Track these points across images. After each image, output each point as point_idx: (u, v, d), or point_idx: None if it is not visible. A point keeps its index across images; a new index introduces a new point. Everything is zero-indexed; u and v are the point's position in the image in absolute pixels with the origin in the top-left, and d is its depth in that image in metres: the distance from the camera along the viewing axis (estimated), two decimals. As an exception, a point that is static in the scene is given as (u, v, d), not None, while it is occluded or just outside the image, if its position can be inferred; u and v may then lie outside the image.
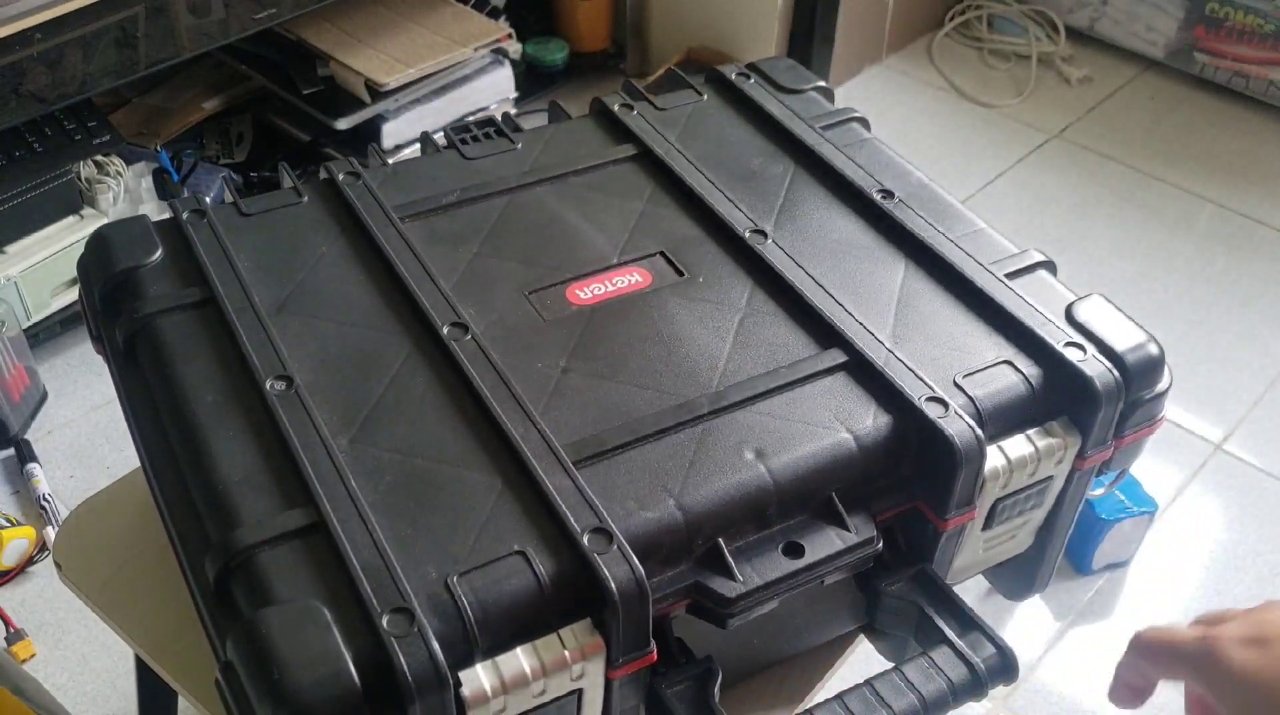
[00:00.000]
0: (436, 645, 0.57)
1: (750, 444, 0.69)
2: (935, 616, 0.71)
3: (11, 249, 1.52)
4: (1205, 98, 2.25)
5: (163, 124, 1.81)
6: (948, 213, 0.85)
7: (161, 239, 0.80)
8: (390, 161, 0.89)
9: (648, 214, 0.85)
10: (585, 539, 0.61)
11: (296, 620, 0.57)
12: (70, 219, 1.57)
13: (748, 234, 0.82)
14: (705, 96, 0.97)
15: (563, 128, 0.94)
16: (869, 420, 0.71)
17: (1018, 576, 0.85)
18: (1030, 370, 0.74)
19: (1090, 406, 0.72)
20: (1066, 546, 0.83)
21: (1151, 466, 1.58)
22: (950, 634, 0.70)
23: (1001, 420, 0.72)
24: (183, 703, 0.98)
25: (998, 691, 0.80)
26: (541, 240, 0.82)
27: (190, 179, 1.76)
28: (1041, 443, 0.73)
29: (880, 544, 0.69)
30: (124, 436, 0.82)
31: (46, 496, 1.47)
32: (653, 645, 0.63)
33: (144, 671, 0.94)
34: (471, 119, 1.53)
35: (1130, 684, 0.61)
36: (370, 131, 1.78)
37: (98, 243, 0.80)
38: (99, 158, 1.61)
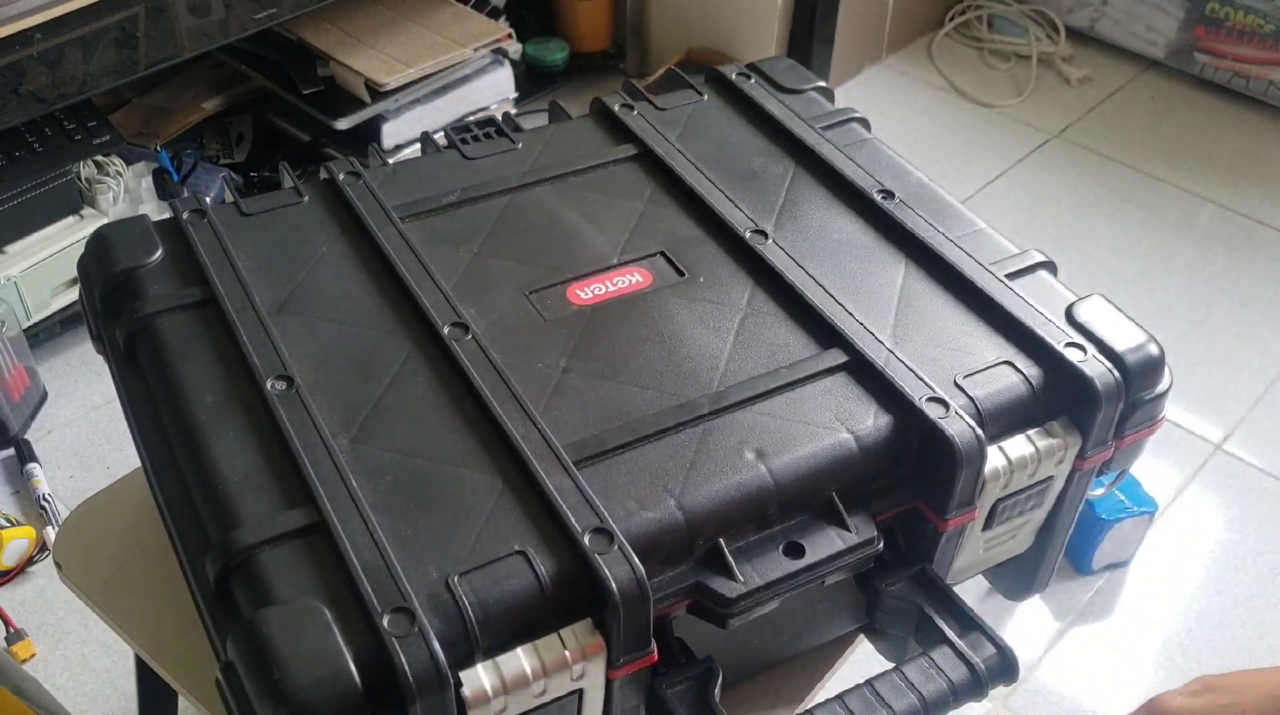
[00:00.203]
0: (437, 645, 0.57)
1: (751, 444, 0.69)
2: (935, 616, 0.71)
3: (11, 249, 1.52)
4: (1205, 98, 2.25)
5: (163, 124, 1.81)
6: (948, 213, 0.85)
7: (161, 239, 0.80)
8: (390, 161, 0.89)
9: (648, 214, 0.85)
10: (586, 539, 0.61)
11: (297, 620, 0.57)
12: (70, 219, 1.57)
13: (748, 234, 0.82)
14: (705, 96, 0.97)
15: (563, 128, 0.94)
16: (869, 420, 0.71)
17: (1018, 576, 0.85)
18: (1031, 370, 0.74)
19: (1090, 407, 0.72)
20: (1066, 546, 0.83)
21: (1151, 466, 1.58)
22: (950, 634, 0.70)
23: (1002, 420, 0.72)
24: (183, 703, 0.98)
25: (998, 691, 0.80)
26: (542, 240, 0.82)
27: (190, 179, 1.76)
28: (1042, 443, 0.73)
29: (880, 544, 0.69)
30: (124, 436, 0.82)
31: (46, 496, 1.47)
32: (653, 645, 0.63)
33: (144, 671, 0.94)
34: (471, 119, 1.53)
35: None
36: (370, 131, 1.78)
37: (98, 243, 0.80)
38: (99, 158, 1.61)
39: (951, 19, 2.42)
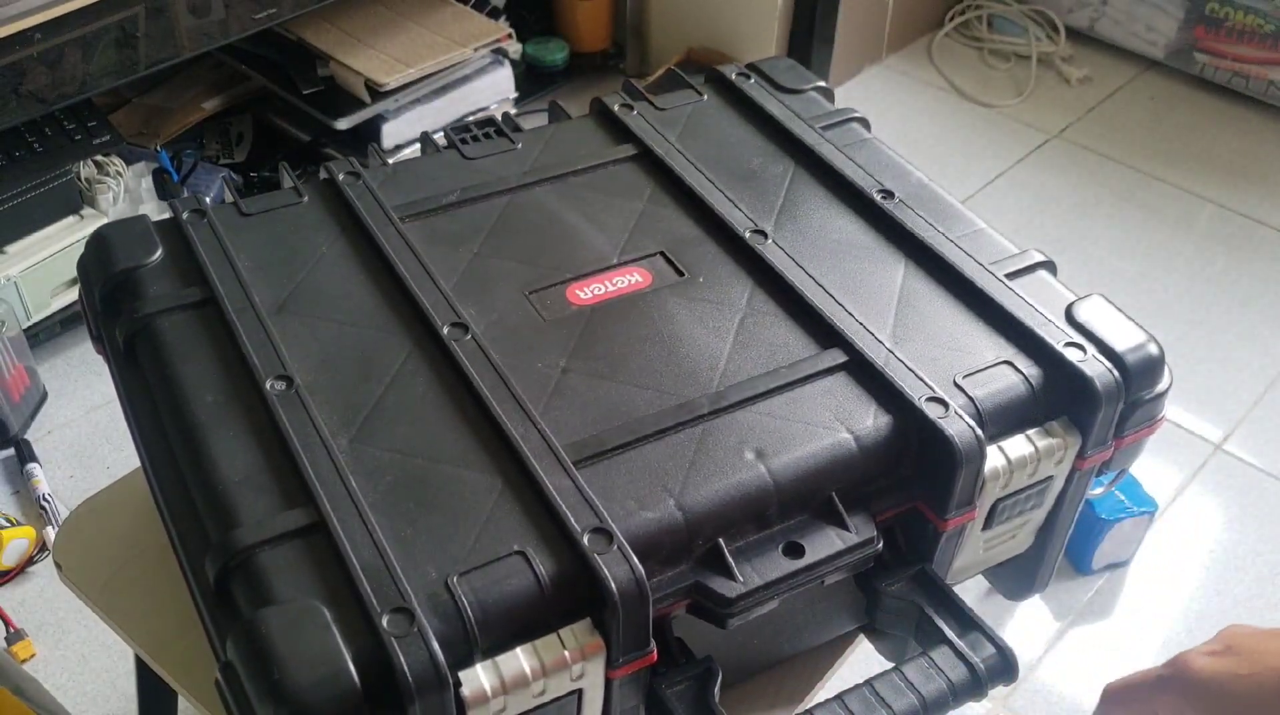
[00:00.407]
0: (436, 645, 0.57)
1: (750, 444, 0.69)
2: (935, 616, 0.71)
3: (11, 249, 1.52)
4: (1205, 98, 2.25)
5: (163, 124, 1.81)
6: (948, 213, 0.85)
7: (161, 239, 0.80)
8: (390, 161, 0.89)
9: (648, 214, 0.85)
10: (585, 539, 0.61)
11: (296, 620, 0.57)
12: (70, 219, 1.57)
13: (748, 234, 0.82)
14: (705, 96, 0.97)
15: (563, 128, 0.94)
16: (869, 420, 0.71)
17: (1018, 576, 0.85)
18: (1030, 370, 0.74)
19: (1090, 406, 0.72)
20: (1066, 546, 0.83)
21: (1151, 466, 1.58)
22: (950, 634, 0.70)
23: (1001, 420, 0.72)
24: (183, 703, 0.98)
25: (998, 691, 0.80)
26: (541, 240, 0.82)
27: (190, 179, 1.77)
28: (1041, 443, 0.73)
29: (880, 544, 0.69)
30: (124, 436, 0.82)
31: (46, 496, 1.47)
32: (653, 645, 0.63)
33: (144, 671, 0.94)
34: (471, 119, 1.53)
35: None
36: (370, 131, 1.78)
37: (98, 243, 0.80)
38: (99, 158, 1.61)
39: (951, 19, 2.42)
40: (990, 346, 0.75)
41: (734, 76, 0.98)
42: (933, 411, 0.70)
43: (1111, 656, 1.37)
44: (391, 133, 1.79)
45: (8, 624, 1.35)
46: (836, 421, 0.70)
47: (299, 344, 0.73)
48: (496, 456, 0.67)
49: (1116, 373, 0.73)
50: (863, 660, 0.83)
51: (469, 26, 1.85)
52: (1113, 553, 1.45)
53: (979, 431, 0.69)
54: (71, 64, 1.41)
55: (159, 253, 0.79)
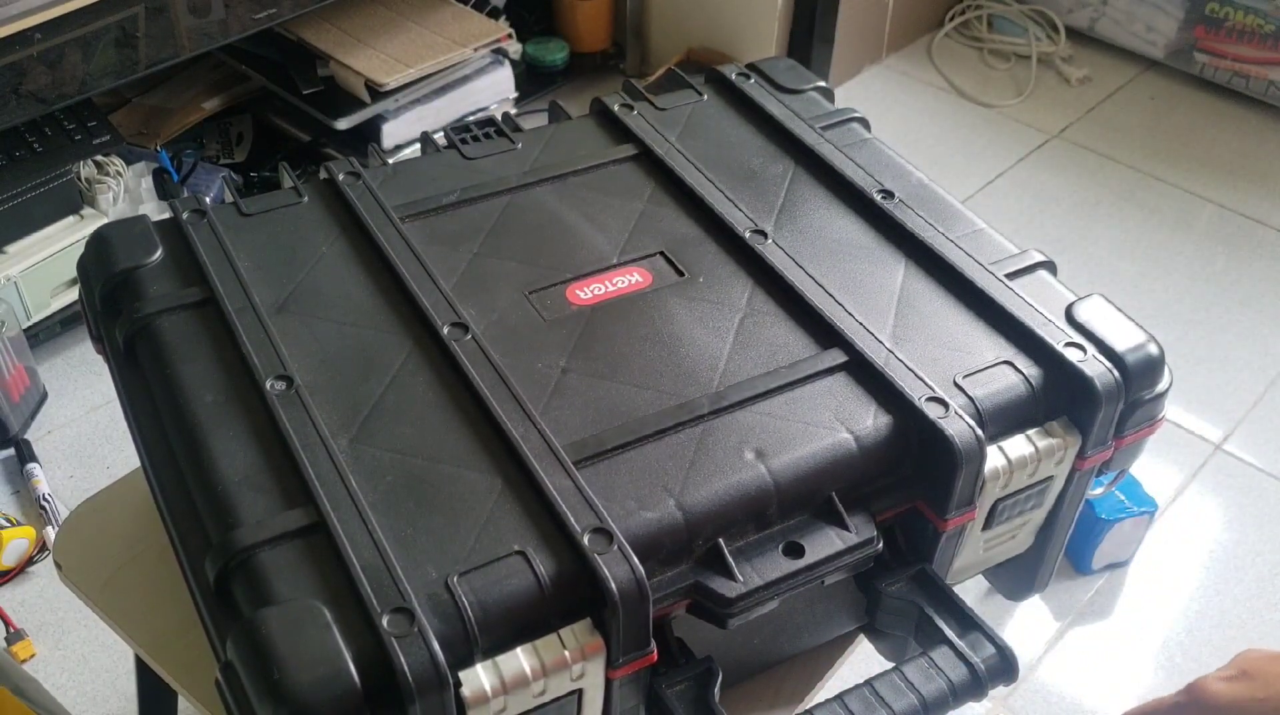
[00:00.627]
0: (436, 645, 0.57)
1: (750, 444, 0.69)
2: (935, 616, 0.71)
3: (11, 249, 1.52)
4: (1205, 98, 2.25)
5: (163, 124, 1.81)
6: (948, 213, 0.85)
7: (161, 239, 0.80)
8: (390, 161, 0.89)
9: (648, 214, 0.85)
10: (585, 539, 0.61)
11: (296, 620, 0.57)
12: (70, 219, 1.57)
13: (748, 234, 0.82)
14: (705, 96, 0.97)
15: (563, 128, 0.94)
16: (869, 420, 0.71)
17: (1018, 576, 0.85)
18: (1030, 370, 0.74)
19: (1090, 407, 0.72)
20: (1066, 546, 0.83)
21: (1151, 466, 1.58)
22: (950, 634, 0.70)
23: (1001, 420, 0.72)
24: (183, 703, 0.98)
25: (998, 691, 0.80)
26: (541, 240, 0.82)
27: (190, 179, 1.76)
28: (1041, 443, 0.73)
29: (880, 544, 0.69)
30: (124, 436, 0.82)
31: (46, 496, 1.47)
32: (653, 645, 0.63)
33: (144, 671, 0.94)
34: (471, 119, 1.53)
35: None
36: (370, 131, 1.78)
37: (98, 243, 0.80)
38: (99, 158, 1.61)
39: (951, 19, 2.42)
40: (990, 346, 0.75)
41: (734, 76, 0.98)
42: (933, 411, 0.70)
43: (1111, 656, 1.37)
44: (391, 133, 1.79)
45: (8, 624, 1.35)
46: (836, 421, 0.70)
47: (299, 344, 0.73)
48: (496, 456, 0.67)
49: (1116, 373, 0.73)
50: (863, 660, 0.83)
51: (469, 26, 1.85)
52: (1113, 553, 1.45)
53: (979, 431, 0.69)
54: (71, 64, 1.41)
55: (159, 253, 0.79)
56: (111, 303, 0.78)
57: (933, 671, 0.68)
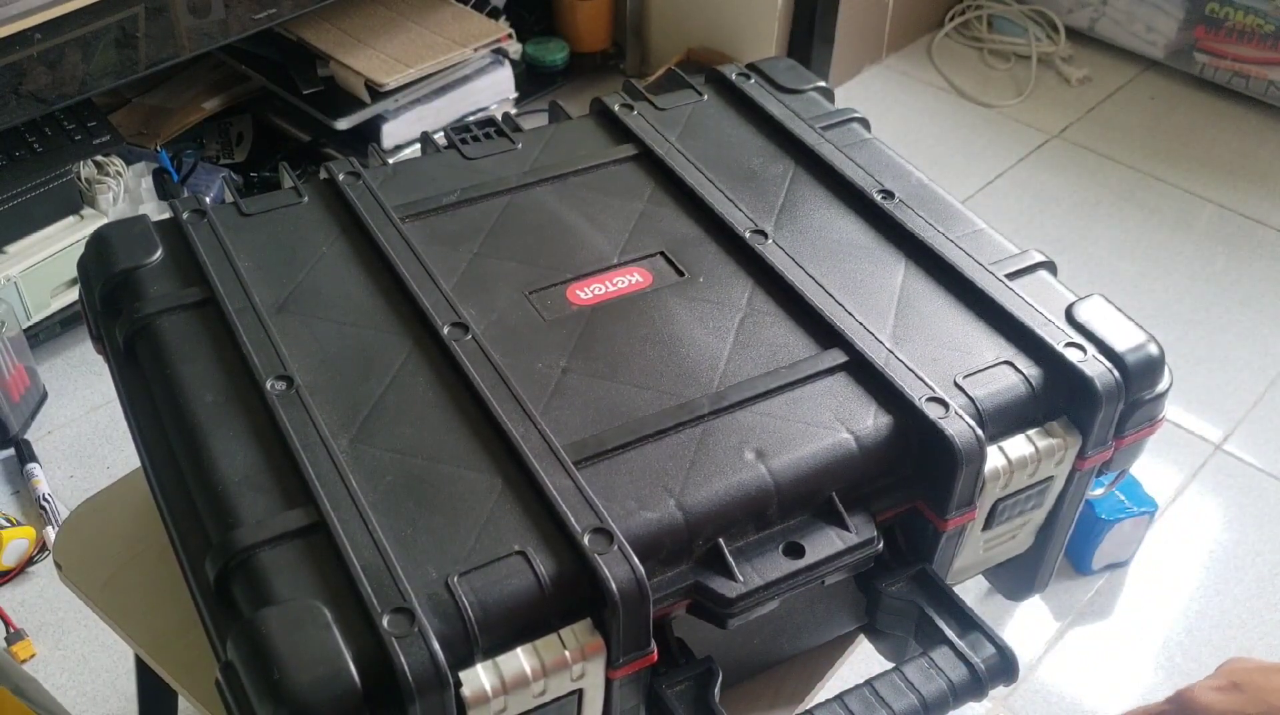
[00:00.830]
0: (437, 645, 0.57)
1: (750, 444, 0.69)
2: (935, 616, 0.71)
3: (11, 249, 1.52)
4: (1205, 98, 2.25)
5: (163, 124, 1.81)
6: (948, 213, 0.85)
7: (161, 239, 0.80)
8: (390, 161, 0.89)
9: (648, 214, 0.85)
10: (585, 539, 0.61)
11: (296, 620, 0.57)
12: (70, 219, 1.57)
13: (748, 234, 0.82)
14: (705, 96, 0.97)
15: (563, 128, 0.94)
16: (869, 420, 0.71)
17: (1018, 576, 0.85)
18: (1030, 370, 0.74)
19: (1090, 407, 0.72)
20: (1066, 546, 0.83)
21: (1151, 466, 1.58)
22: (950, 634, 0.70)
23: (1002, 420, 0.72)
24: (183, 703, 0.98)
25: (998, 691, 0.80)
26: (541, 240, 0.82)
27: (190, 179, 1.76)
28: (1042, 443, 0.73)
29: (880, 544, 0.69)
30: (124, 436, 0.82)
31: (46, 496, 1.47)
32: (653, 645, 0.63)
33: (144, 671, 0.94)
34: (471, 119, 1.53)
35: None
36: (370, 131, 1.78)
37: (98, 243, 0.80)
38: (99, 158, 1.61)
39: (951, 19, 2.42)
40: (990, 346, 0.75)
41: (734, 76, 0.98)
42: (933, 411, 0.70)
43: (1111, 656, 1.37)
44: (391, 133, 1.79)
45: (8, 624, 1.35)
46: (836, 421, 0.70)
47: (299, 344, 0.73)
48: (496, 456, 0.67)
49: (1116, 373, 0.73)
50: (863, 660, 0.83)
51: (469, 26, 1.85)
52: (1113, 553, 1.45)
53: (979, 431, 0.69)
54: (71, 64, 1.41)
55: (159, 253, 0.79)
56: (111, 303, 0.78)
57: (933, 671, 0.68)
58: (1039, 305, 0.77)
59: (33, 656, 1.34)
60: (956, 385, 0.72)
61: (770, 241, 0.82)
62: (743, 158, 0.90)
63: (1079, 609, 1.43)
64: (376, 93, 1.74)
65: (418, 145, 1.45)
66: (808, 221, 0.85)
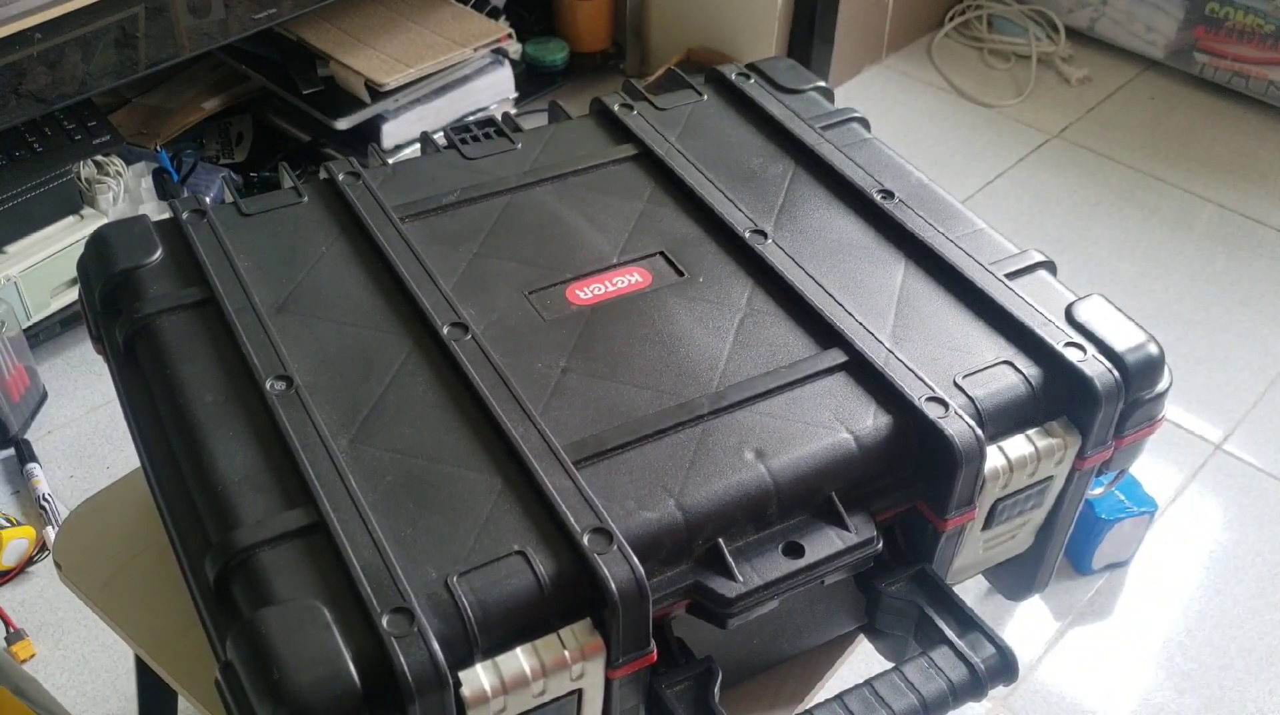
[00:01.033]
0: (436, 645, 0.57)
1: (750, 444, 0.69)
2: (935, 616, 0.71)
3: (11, 249, 1.52)
4: (1205, 98, 2.25)
5: (163, 124, 1.81)
6: (948, 213, 0.85)
7: (161, 239, 0.80)
8: (390, 161, 0.89)
9: (648, 214, 0.85)
10: (585, 539, 0.61)
11: (296, 620, 0.57)
12: (70, 219, 1.57)
13: (748, 234, 0.82)
14: (705, 96, 0.97)
15: (563, 128, 0.94)
16: (869, 420, 0.71)
17: (1018, 576, 0.85)
18: (1030, 370, 0.74)
19: (1090, 406, 0.72)
20: (1066, 546, 0.83)
21: (1151, 466, 1.58)
22: (950, 634, 0.70)
23: (1001, 420, 0.72)
24: (183, 703, 0.98)
25: (998, 691, 0.80)
26: (541, 240, 0.82)
27: (190, 179, 1.76)
28: (1041, 443, 0.73)
29: (880, 544, 0.69)
30: (124, 436, 0.82)
31: (46, 496, 1.47)
32: (653, 645, 0.63)
33: (144, 671, 0.94)
34: (471, 119, 1.53)
35: None
36: (370, 131, 1.78)
37: (98, 243, 0.80)
38: (99, 158, 1.61)
39: (951, 19, 2.42)
40: (990, 346, 0.75)
41: (734, 76, 0.98)
42: (933, 411, 0.70)
43: (1111, 656, 1.37)
44: (391, 133, 1.79)
45: (8, 624, 1.35)
46: (836, 421, 0.70)
47: (299, 344, 0.73)
48: (496, 456, 0.67)
49: (1116, 373, 0.73)
50: (863, 660, 0.83)
51: (469, 26, 1.85)
52: (1113, 553, 1.45)
53: (979, 431, 0.69)
54: (71, 64, 1.41)
55: (159, 253, 0.79)
56: (111, 303, 0.78)
57: (933, 671, 0.68)
58: (1039, 305, 0.77)
59: (33, 656, 1.34)
60: (956, 385, 0.72)
61: (770, 241, 0.82)
62: (743, 158, 0.90)
63: (1079, 609, 1.43)
64: (376, 93, 1.74)
65: (418, 145, 1.45)
66: (807, 221, 0.85)
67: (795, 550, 0.67)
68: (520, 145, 0.91)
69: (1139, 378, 0.74)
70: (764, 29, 2.09)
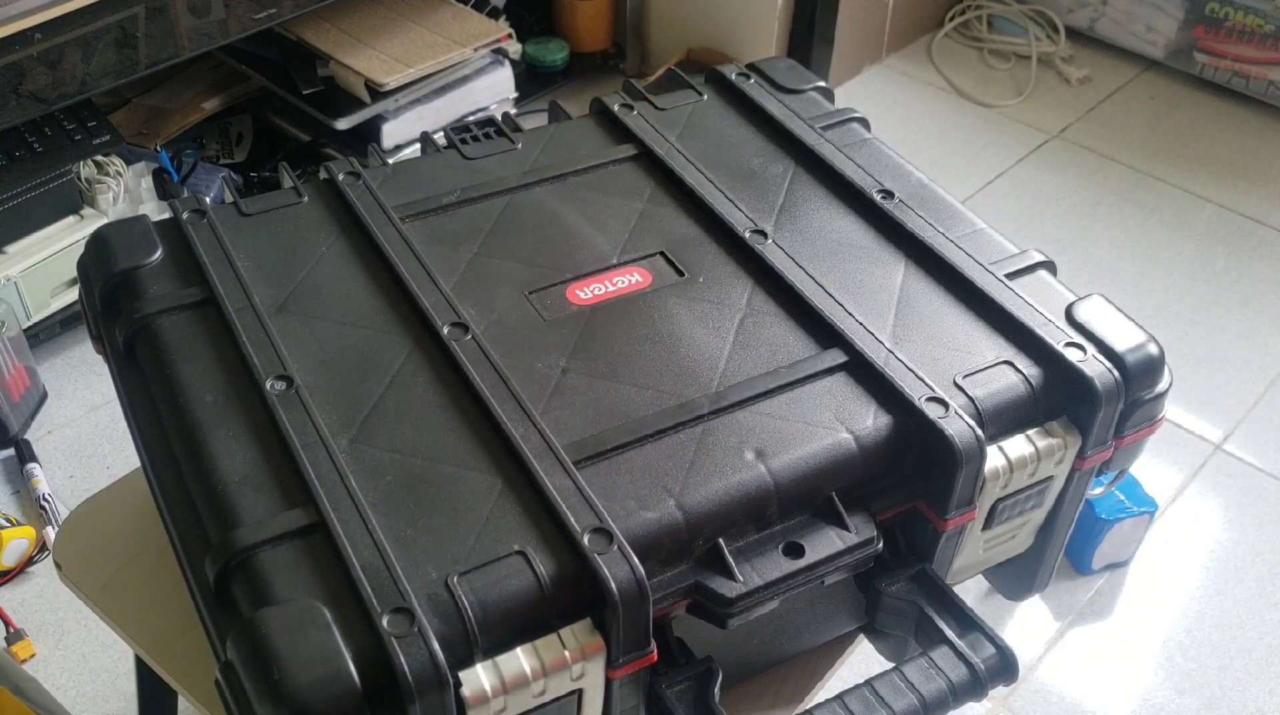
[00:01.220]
0: (436, 645, 0.57)
1: (750, 444, 0.69)
2: (935, 616, 0.71)
3: (11, 249, 1.52)
4: (1205, 98, 2.25)
5: (163, 124, 1.81)
6: (948, 213, 0.85)
7: (161, 239, 0.80)
8: (390, 161, 0.89)
9: (648, 214, 0.85)
10: (585, 539, 0.61)
11: (296, 620, 0.57)
12: (70, 219, 1.57)
13: (748, 234, 0.82)
14: (705, 96, 0.97)
15: (563, 128, 0.94)
16: (869, 420, 0.71)
17: (1018, 576, 0.85)
18: (1030, 370, 0.74)
19: (1090, 407, 0.72)
20: (1066, 546, 0.83)
21: (1151, 466, 1.58)
22: (950, 634, 0.70)
23: (1001, 420, 0.72)
24: (183, 703, 0.98)
25: (998, 691, 0.80)
26: (541, 240, 0.82)
27: (190, 179, 1.76)
28: (1041, 443, 0.73)
29: (880, 544, 0.69)
30: (124, 436, 0.82)
31: (46, 496, 1.47)
32: (653, 645, 0.63)
33: (144, 671, 0.94)
34: (471, 119, 1.53)
35: None
36: (370, 131, 1.78)
37: (98, 243, 0.80)
38: (99, 158, 1.61)
39: (951, 19, 2.42)
40: (990, 346, 0.75)
41: (734, 76, 0.98)
42: (933, 411, 0.70)
43: (1111, 656, 1.37)
44: (391, 133, 1.79)
45: (8, 624, 1.35)
46: (836, 421, 0.70)
47: (299, 344, 0.73)
48: (496, 456, 0.67)
49: (1116, 373, 0.73)
50: (863, 660, 0.83)
51: (469, 26, 1.85)
52: (1113, 553, 1.45)
53: (979, 431, 0.69)
54: (71, 64, 1.41)
55: (159, 253, 0.79)
56: (111, 303, 0.78)
57: (933, 671, 0.68)
58: (1039, 305, 0.77)
59: (33, 656, 1.34)
60: (956, 385, 0.72)
61: (770, 241, 0.82)
62: (743, 158, 0.90)
63: (1079, 609, 1.43)
64: (376, 93, 1.74)
65: (418, 145, 1.45)
66: (807, 221, 0.85)
67: (795, 550, 0.67)
68: (520, 145, 0.91)
69: (1139, 378, 0.74)
70: (764, 29, 2.09)
